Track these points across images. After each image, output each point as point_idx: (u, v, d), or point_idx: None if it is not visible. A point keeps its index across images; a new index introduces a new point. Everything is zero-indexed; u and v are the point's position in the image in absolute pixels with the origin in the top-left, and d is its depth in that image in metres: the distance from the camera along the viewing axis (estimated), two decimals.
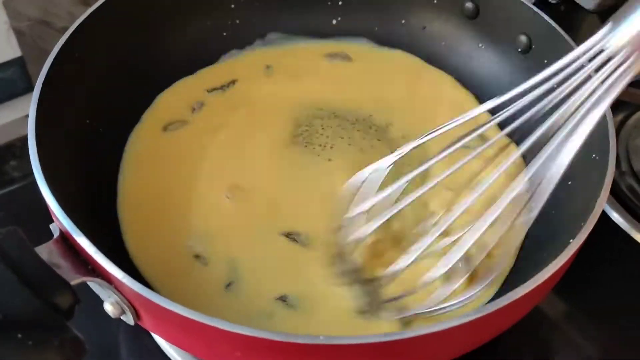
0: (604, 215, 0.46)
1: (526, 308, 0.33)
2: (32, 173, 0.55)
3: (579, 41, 0.41)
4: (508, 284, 0.37)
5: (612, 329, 0.42)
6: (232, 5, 0.47)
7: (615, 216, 0.47)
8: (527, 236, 0.39)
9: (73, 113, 0.39)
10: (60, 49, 0.38)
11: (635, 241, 0.46)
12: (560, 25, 0.42)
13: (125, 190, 0.40)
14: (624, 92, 0.51)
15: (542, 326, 0.42)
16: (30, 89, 0.57)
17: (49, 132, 0.35)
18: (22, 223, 0.45)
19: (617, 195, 0.48)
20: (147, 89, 0.44)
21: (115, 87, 0.42)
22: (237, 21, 0.47)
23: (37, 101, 0.35)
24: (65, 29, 0.56)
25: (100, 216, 0.38)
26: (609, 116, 0.36)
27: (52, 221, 0.32)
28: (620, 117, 0.53)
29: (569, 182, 0.39)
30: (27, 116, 0.58)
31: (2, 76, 0.55)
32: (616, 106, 0.52)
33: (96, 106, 0.41)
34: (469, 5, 0.45)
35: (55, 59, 0.37)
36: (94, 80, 0.41)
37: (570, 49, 0.39)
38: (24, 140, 0.59)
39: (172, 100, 0.44)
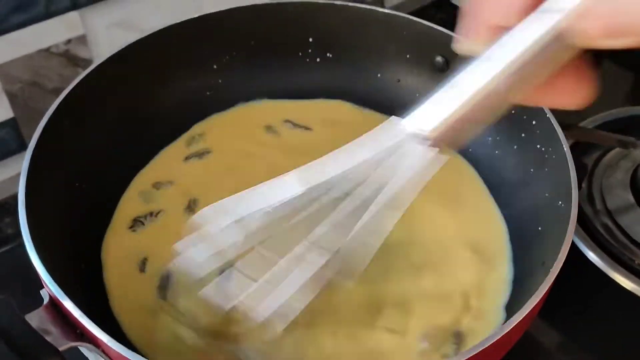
0: (581, 255, 0.48)
1: (504, 349, 0.34)
2: None
3: None
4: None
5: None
6: (215, 66, 0.49)
7: (592, 255, 0.49)
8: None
9: (62, 177, 0.41)
10: (49, 117, 0.40)
11: (612, 280, 0.47)
12: None
13: (108, 253, 0.42)
14: (592, 136, 0.54)
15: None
16: (22, 147, 0.59)
17: (39, 198, 0.37)
18: (13, 282, 0.47)
19: (592, 235, 0.50)
20: (137, 151, 0.46)
21: (106, 149, 0.44)
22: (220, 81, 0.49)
23: (27, 169, 0.37)
24: (56, 89, 0.58)
25: (88, 279, 0.39)
26: (571, 165, 0.38)
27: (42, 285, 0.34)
28: (594, 156, 0.55)
29: (539, 228, 0.41)
30: (19, 174, 0.61)
31: None
32: (589, 147, 0.55)
33: (85, 169, 0.43)
34: (439, 59, 0.48)
35: (44, 128, 0.39)
36: (83, 144, 0.43)
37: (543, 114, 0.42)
38: (16, 197, 0.61)
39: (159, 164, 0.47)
